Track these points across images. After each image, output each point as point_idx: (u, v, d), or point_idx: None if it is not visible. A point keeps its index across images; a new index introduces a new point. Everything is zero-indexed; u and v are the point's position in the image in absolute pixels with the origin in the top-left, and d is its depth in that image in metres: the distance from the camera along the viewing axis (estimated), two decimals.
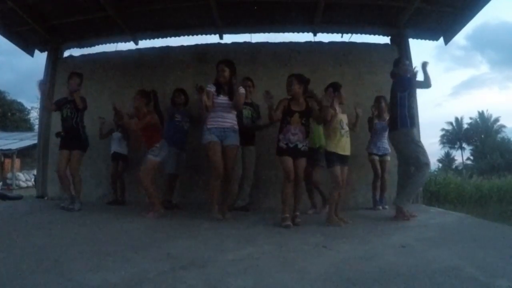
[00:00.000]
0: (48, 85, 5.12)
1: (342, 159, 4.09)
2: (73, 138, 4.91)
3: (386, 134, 5.09)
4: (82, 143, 4.98)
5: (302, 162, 4.08)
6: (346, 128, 4.16)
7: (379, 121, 5.40)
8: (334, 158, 4.05)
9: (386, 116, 5.28)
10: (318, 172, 4.97)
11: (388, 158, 5.38)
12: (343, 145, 4.10)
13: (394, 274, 2.16)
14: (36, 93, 28.08)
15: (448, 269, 2.22)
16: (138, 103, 4.64)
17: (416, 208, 4.96)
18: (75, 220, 4.10)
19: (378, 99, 5.47)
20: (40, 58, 6.94)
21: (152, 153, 4.50)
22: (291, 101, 4.09)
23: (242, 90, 4.34)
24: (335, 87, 4.19)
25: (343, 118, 4.17)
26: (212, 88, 4.23)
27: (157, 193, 4.64)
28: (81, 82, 5.02)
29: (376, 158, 5.37)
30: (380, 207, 5.28)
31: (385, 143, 5.35)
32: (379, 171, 5.36)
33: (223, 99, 4.25)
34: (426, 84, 4.33)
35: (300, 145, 4.02)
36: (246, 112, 5.08)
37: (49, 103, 5.35)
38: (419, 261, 2.43)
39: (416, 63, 6.03)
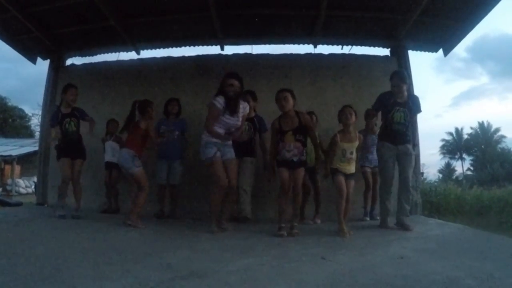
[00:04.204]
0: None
1: (346, 174, 4.15)
2: (77, 149, 4.99)
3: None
4: (84, 152, 5.09)
5: (300, 172, 4.02)
6: (350, 156, 4.13)
7: (370, 136, 5.30)
8: (337, 171, 4.13)
9: (377, 130, 5.25)
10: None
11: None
12: (346, 168, 4.15)
13: (391, 285, 2.17)
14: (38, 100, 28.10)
15: (446, 281, 2.23)
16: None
17: (415, 219, 4.96)
18: (75, 228, 4.10)
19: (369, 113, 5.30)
20: (45, 66, 7.03)
21: (139, 164, 4.47)
22: (282, 120, 4.07)
23: (246, 108, 4.32)
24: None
25: (348, 146, 4.14)
26: (220, 105, 4.04)
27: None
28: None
29: (368, 170, 5.35)
30: (368, 218, 5.26)
31: (376, 156, 5.27)
32: (371, 183, 5.34)
33: (229, 118, 4.11)
34: None
35: (296, 159, 3.98)
36: (244, 127, 4.95)
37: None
38: (416, 272, 2.44)
39: (416, 74, 6.08)
